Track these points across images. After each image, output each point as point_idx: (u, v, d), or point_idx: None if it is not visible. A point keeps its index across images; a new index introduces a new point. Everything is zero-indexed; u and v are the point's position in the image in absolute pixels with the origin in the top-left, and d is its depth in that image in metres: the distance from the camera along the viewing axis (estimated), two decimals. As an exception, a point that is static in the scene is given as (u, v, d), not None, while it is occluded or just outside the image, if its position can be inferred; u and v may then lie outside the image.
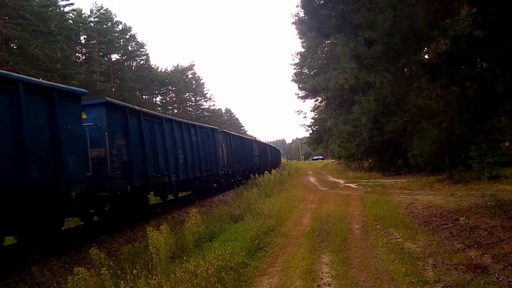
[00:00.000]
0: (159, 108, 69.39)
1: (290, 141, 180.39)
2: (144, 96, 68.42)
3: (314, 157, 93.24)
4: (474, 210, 9.36)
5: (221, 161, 21.35)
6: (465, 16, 9.64)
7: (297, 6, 9.62)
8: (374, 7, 8.60)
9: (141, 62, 65.83)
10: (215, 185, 21.19)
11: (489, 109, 9.06)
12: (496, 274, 4.99)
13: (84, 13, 52.88)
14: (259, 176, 21.89)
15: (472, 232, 7.33)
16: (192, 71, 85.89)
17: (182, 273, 5.06)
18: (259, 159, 34.29)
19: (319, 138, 46.68)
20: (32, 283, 6.50)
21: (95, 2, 72.17)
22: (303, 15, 9.70)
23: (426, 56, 14.45)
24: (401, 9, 7.24)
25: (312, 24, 9.42)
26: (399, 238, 7.46)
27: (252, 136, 63.55)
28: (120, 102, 12.71)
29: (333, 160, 56.35)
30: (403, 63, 9.05)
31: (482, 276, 4.95)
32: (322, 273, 5.74)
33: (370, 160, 32.65)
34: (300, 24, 9.87)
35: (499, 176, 14.80)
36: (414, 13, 7.09)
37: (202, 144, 18.20)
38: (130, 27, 60.81)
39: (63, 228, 9.71)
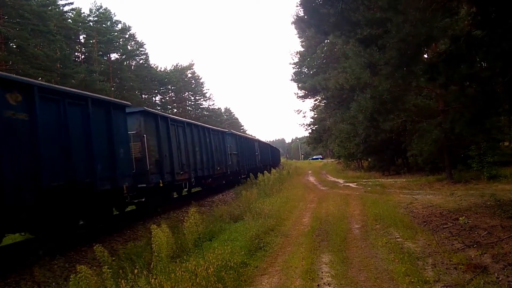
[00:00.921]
0: (159, 108, 69.35)
1: (290, 141, 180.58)
2: (143, 96, 68.28)
3: (314, 157, 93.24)
4: (473, 210, 9.37)
5: (135, 166, 11.72)
6: (464, 16, 9.65)
7: (297, 6, 9.60)
8: (373, 6, 8.63)
9: (141, 62, 65.73)
10: (126, 209, 12.85)
11: (488, 108, 9.08)
12: (495, 274, 5.00)
13: (84, 13, 52.78)
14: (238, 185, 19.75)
15: (472, 231, 7.34)
16: (191, 70, 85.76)
17: (182, 273, 5.07)
18: (238, 160, 24.40)
19: (319, 138, 46.60)
20: (33, 283, 6.51)
21: (94, 2, 71.89)
22: (303, 14, 9.71)
23: (425, 56, 14.45)
24: (410, 12, 7.27)
25: (311, 22, 9.45)
26: (398, 237, 7.47)
27: (253, 136, 60.33)
28: None
29: (332, 160, 56.42)
30: (420, 67, 9.06)
31: (482, 275, 4.95)
32: (322, 272, 5.75)
33: (369, 159, 32.68)
34: (300, 22, 9.86)
35: (498, 175, 14.82)
36: (425, 18, 7.12)
37: (55, 132, 8.35)
38: (129, 27, 60.72)
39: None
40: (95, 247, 5.50)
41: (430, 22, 7.00)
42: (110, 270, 4.85)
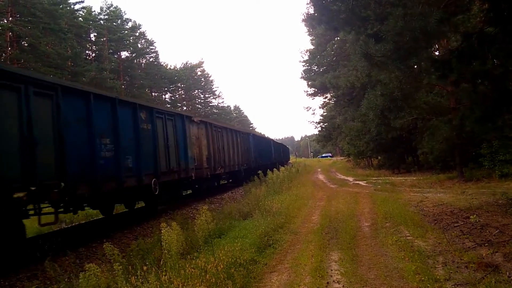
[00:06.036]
0: (169, 105, 69.64)
1: (299, 139, 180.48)
2: (153, 94, 68.65)
3: (323, 155, 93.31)
4: (485, 208, 9.27)
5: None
6: (477, 12, 9.54)
7: (307, 4, 9.63)
8: (384, 2, 8.56)
9: (151, 60, 66.03)
10: None
11: (500, 106, 8.97)
12: (507, 273, 4.95)
13: (94, 11, 53.17)
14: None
15: (483, 230, 7.28)
16: (201, 68, 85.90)
17: (192, 269, 5.10)
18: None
19: (328, 136, 46.44)
20: (44, 278, 6.58)
21: (105, 0, 72.64)
22: (313, 12, 9.69)
23: (437, 53, 14.31)
24: (411, 6, 7.19)
25: (322, 19, 9.42)
26: (409, 236, 7.43)
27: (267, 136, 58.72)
28: None
29: (342, 158, 56.18)
30: (414, 61, 9.00)
31: (493, 274, 4.91)
32: (332, 270, 5.74)
33: (379, 157, 32.46)
34: (310, 19, 9.84)
35: (510, 174, 14.64)
36: (425, 12, 7.03)
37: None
38: (139, 25, 61.05)
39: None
40: (104, 245, 5.53)
41: (426, 18, 6.88)
42: (120, 267, 4.88)
